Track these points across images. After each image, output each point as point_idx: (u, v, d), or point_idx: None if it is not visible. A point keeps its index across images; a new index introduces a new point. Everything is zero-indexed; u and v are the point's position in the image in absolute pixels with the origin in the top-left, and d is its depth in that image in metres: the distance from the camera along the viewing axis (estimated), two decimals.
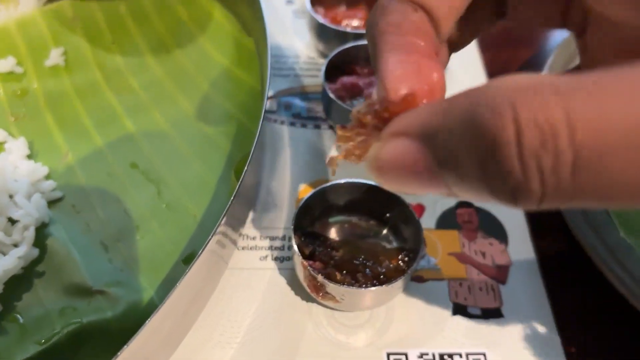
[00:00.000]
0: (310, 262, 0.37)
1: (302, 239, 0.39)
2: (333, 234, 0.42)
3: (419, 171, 0.19)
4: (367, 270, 0.38)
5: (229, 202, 0.35)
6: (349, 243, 0.41)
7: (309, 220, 0.41)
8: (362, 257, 0.39)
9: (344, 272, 0.38)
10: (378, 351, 0.38)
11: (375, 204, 0.42)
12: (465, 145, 0.17)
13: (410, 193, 0.21)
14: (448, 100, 0.18)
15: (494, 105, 0.16)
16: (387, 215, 0.42)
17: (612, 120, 0.15)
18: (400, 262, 0.39)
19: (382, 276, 0.38)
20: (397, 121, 0.20)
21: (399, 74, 0.22)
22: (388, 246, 0.41)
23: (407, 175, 0.20)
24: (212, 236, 0.34)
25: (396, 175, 0.20)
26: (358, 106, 0.24)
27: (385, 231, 0.42)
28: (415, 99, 0.21)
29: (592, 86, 0.15)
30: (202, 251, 0.33)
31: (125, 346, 0.29)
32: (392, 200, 0.41)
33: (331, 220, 0.42)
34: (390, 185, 0.21)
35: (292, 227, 0.38)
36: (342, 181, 0.41)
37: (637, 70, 0.15)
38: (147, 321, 0.30)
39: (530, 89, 0.16)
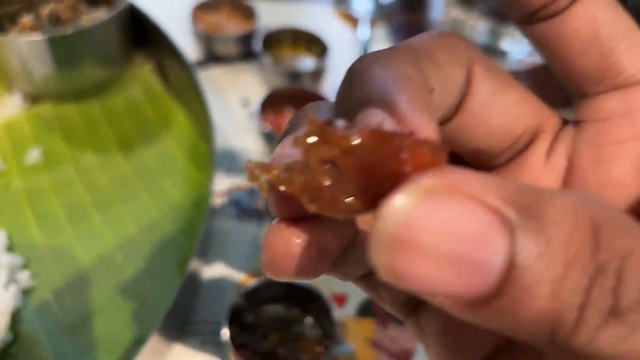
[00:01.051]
0: (242, 351, 0.45)
1: (236, 329, 0.47)
2: (265, 322, 0.50)
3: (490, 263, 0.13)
4: (290, 358, 0.46)
5: (170, 303, 0.43)
6: (278, 330, 0.49)
7: (245, 310, 0.49)
8: (288, 345, 0.47)
9: None
10: None
11: (300, 297, 0.49)
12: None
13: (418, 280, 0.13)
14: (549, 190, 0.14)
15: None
16: (310, 306, 0.49)
17: None
18: (322, 347, 0.47)
19: None
20: (462, 178, 0.13)
21: (426, 117, 0.16)
22: (311, 333, 0.49)
23: (459, 260, 0.13)
24: (153, 331, 0.42)
25: (439, 255, 0.13)
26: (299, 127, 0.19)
27: (311, 321, 0.50)
28: (439, 159, 0.15)
29: None
30: (146, 342, 0.41)
31: None
32: (313, 295, 0.48)
33: (265, 310, 0.50)
34: (405, 263, 0.13)
35: (227, 320, 0.46)
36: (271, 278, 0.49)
37: None
38: None
39: None
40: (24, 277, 0.51)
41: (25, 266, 0.53)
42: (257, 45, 0.72)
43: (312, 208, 0.16)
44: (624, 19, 0.21)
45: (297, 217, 0.19)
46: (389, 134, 0.15)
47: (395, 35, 0.81)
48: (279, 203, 0.18)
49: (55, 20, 0.63)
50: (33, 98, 0.65)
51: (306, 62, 0.73)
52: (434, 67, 0.19)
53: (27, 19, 0.63)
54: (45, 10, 0.63)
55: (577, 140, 0.22)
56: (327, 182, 0.16)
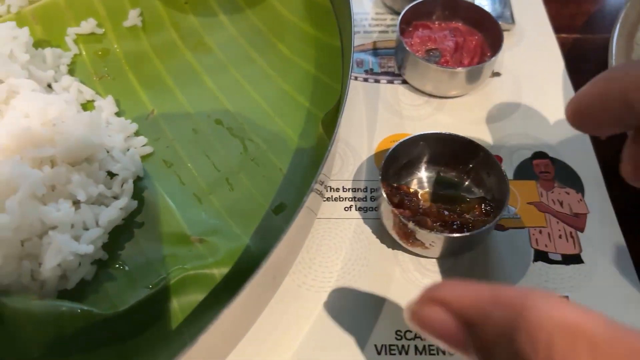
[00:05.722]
0: (400, 210, 0.39)
1: (389, 189, 0.41)
2: (417, 184, 0.44)
3: (453, 343, 0.22)
4: (454, 218, 0.40)
5: (324, 158, 0.37)
6: (433, 193, 0.43)
7: (393, 171, 0.43)
8: (448, 206, 0.41)
9: (432, 220, 0.40)
10: None
11: (457, 154, 0.43)
12: (502, 354, 0.20)
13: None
14: (494, 293, 0.21)
15: (533, 339, 0.19)
16: (470, 165, 0.43)
17: None
18: (483, 210, 0.41)
19: (469, 224, 0.39)
20: (438, 288, 0.23)
21: None
22: (470, 196, 0.43)
23: (441, 339, 0.23)
24: (310, 192, 0.36)
25: (431, 335, 0.23)
26: None
27: (467, 182, 0.43)
28: None
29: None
30: (302, 206, 0.35)
31: (237, 294, 0.30)
32: (476, 150, 0.42)
33: (415, 170, 0.44)
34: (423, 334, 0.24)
35: (380, 176, 0.40)
36: (425, 132, 0.42)
37: None
38: (257, 269, 0.31)
39: (568, 336, 0.18)
40: (139, 142, 0.46)
41: (138, 133, 0.47)
42: None
43: None
44: None
45: None
46: None
47: None
48: None
49: None
50: None
51: None
52: None
53: None
54: None
55: None
56: None
